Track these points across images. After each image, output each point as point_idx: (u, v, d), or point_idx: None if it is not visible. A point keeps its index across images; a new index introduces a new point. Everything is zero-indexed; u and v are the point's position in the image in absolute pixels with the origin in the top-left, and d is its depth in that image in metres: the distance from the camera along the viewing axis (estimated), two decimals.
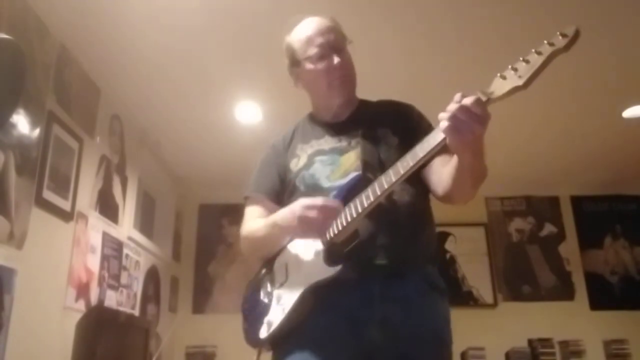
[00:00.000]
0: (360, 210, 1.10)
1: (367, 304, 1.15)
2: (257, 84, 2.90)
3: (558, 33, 0.89)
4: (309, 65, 1.34)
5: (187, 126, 3.40)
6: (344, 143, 1.31)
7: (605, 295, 4.31)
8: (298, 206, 1.15)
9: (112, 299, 2.88)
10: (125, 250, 3.11)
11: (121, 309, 2.98)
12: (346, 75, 1.34)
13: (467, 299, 4.31)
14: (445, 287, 1.25)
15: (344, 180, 1.20)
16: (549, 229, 4.53)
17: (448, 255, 4.44)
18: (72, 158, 2.47)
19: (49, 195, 2.23)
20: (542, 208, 4.59)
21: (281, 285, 1.24)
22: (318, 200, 1.14)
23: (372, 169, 1.21)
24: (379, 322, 1.13)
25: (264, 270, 1.33)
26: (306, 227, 1.13)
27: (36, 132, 2.17)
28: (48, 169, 2.23)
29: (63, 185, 2.38)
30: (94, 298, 2.64)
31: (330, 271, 1.11)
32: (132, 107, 3.10)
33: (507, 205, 4.60)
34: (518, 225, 4.55)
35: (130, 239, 3.19)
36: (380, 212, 1.15)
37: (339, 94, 1.35)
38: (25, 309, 2.01)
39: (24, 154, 2.07)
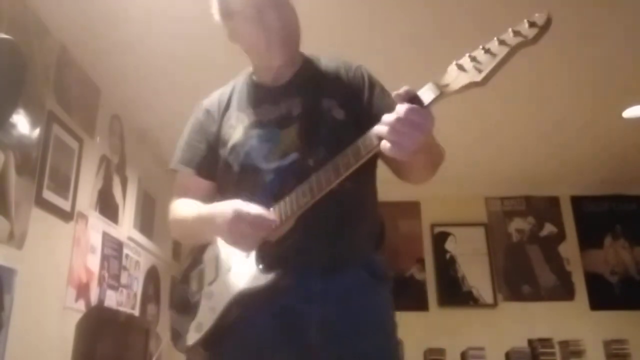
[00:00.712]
0: (295, 209, 1.01)
1: (306, 305, 1.06)
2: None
3: (525, 21, 0.79)
4: (245, 22, 1.16)
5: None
6: (283, 112, 1.16)
7: (605, 295, 4.31)
8: (230, 211, 1.01)
9: (112, 299, 2.88)
10: (125, 250, 3.11)
11: (121, 309, 2.98)
12: (287, 35, 1.17)
13: (467, 299, 4.31)
14: (388, 273, 1.16)
15: (282, 162, 1.09)
16: (549, 229, 4.53)
17: (448, 255, 4.44)
18: (72, 158, 2.47)
19: (49, 195, 2.23)
20: (542, 208, 4.59)
21: (211, 283, 1.12)
22: (252, 211, 1.01)
23: (313, 151, 1.09)
24: (318, 322, 1.06)
25: (192, 261, 1.22)
26: (236, 238, 1.02)
27: (36, 132, 2.17)
28: (48, 169, 2.23)
29: (63, 185, 2.38)
30: (94, 298, 2.64)
31: (262, 279, 1.03)
32: (132, 107, 3.10)
33: (507, 205, 4.60)
34: (518, 225, 4.55)
35: (130, 239, 3.19)
36: (318, 206, 1.02)
37: (279, 54, 1.17)
38: (25, 309, 2.01)
39: (24, 154, 2.07)
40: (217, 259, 1.14)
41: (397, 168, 1.15)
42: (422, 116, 0.86)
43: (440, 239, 4.48)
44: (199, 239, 1.19)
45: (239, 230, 1.01)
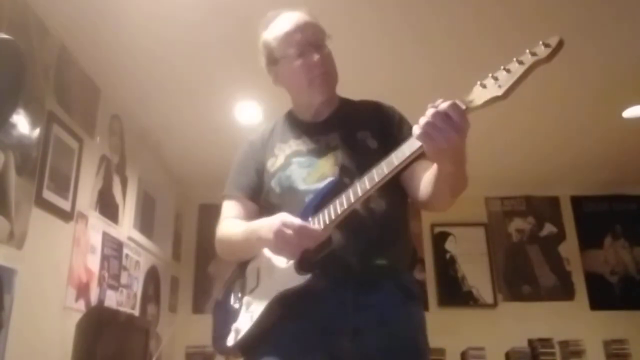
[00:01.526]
0: (333, 217, 1.08)
1: (339, 313, 1.11)
2: (257, 84, 2.90)
3: (541, 42, 0.88)
4: (288, 64, 1.30)
5: (187, 126, 3.40)
6: (322, 145, 1.28)
7: (605, 295, 4.31)
8: (277, 221, 1.10)
9: (112, 299, 2.88)
10: (125, 250, 3.11)
11: (121, 309, 2.98)
12: (327, 73, 1.30)
13: (467, 299, 4.31)
14: (419, 293, 1.23)
15: (320, 184, 1.17)
16: (549, 229, 4.53)
17: (448, 255, 4.44)
18: (72, 158, 2.47)
19: (49, 195, 2.23)
20: (542, 208, 4.59)
21: (251, 291, 1.21)
22: (297, 220, 1.09)
23: (349, 174, 1.18)
24: (352, 332, 1.10)
25: (236, 274, 1.31)
26: (280, 244, 1.09)
27: (36, 132, 2.17)
28: (48, 169, 2.23)
29: (63, 185, 2.38)
30: (94, 298, 2.64)
31: (299, 279, 1.08)
32: (132, 107, 3.10)
33: (507, 205, 4.60)
34: (518, 225, 4.56)
35: (130, 239, 3.19)
36: (355, 220, 1.12)
37: (320, 92, 1.31)
38: (25, 309, 2.01)
39: (24, 154, 2.07)
40: (258, 270, 1.22)
41: (421, 195, 1.17)
42: (459, 115, 0.92)
43: (440, 239, 4.48)
44: (245, 252, 1.27)
45: (285, 238, 1.07)
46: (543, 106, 3.16)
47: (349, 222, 1.10)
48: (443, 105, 0.93)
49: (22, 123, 2.06)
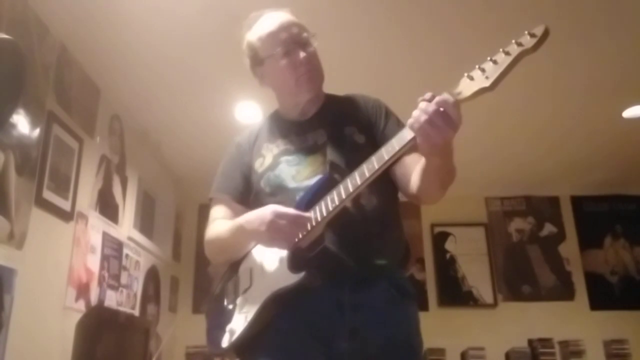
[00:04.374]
0: (325, 214, 1.07)
1: (336, 313, 1.10)
2: (257, 84, 2.90)
3: (526, 32, 0.88)
4: (274, 63, 1.29)
5: (187, 126, 3.40)
6: (310, 142, 1.27)
7: (605, 295, 4.31)
8: (268, 212, 1.09)
9: (112, 299, 2.88)
10: (125, 250, 3.11)
11: (121, 309, 2.98)
12: (313, 70, 1.29)
13: (467, 299, 4.31)
14: (414, 292, 1.22)
15: (310, 182, 1.16)
16: (549, 229, 4.53)
17: (448, 255, 4.44)
18: (72, 158, 2.47)
19: (49, 195, 2.23)
20: (542, 208, 4.59)
21: (245, 291, 1.19)
22: (290, 210, 1.09)
23: (338, 170, 1.17)
24: (349, 332, 1.09)
25: (229, 274, 1.29)
26: (274, 235, 1.08)
27: (36, 132, 2.17)
28: (48, 169, 2.23)
29: (63, 185, 2.38)
30: (94, 298, 2.64)
31: (293, 278, 1.07)
32: (132, 107, 3.10)
33: (507, 205, 4.60)
34: (518, 225, 4.56)
35: (130, 239, 3.19)
36: (347, 217, 1.12)
37: (307, 90, 1.30)
38: (25, 309, 2.01)
39: (24, 154, 2.07)
40: (251, 271, 1.21)
41: (412, 188, 1.17)
42: (458, 113, 0.93)
43: (440, 239, 4.48)
44: (234, 249, 1.25)
45: (277, 228, 1.07)
46: (543, 106, 3.16)
47: (340, 219, 1.09)
48: (441, 102, 0.93)
49: (22, 123, 2.06)
